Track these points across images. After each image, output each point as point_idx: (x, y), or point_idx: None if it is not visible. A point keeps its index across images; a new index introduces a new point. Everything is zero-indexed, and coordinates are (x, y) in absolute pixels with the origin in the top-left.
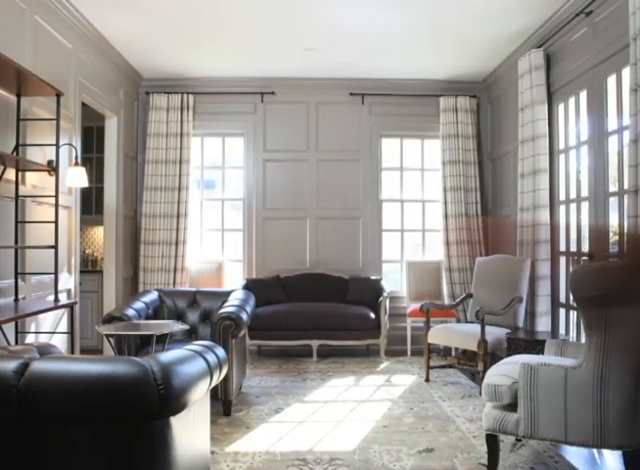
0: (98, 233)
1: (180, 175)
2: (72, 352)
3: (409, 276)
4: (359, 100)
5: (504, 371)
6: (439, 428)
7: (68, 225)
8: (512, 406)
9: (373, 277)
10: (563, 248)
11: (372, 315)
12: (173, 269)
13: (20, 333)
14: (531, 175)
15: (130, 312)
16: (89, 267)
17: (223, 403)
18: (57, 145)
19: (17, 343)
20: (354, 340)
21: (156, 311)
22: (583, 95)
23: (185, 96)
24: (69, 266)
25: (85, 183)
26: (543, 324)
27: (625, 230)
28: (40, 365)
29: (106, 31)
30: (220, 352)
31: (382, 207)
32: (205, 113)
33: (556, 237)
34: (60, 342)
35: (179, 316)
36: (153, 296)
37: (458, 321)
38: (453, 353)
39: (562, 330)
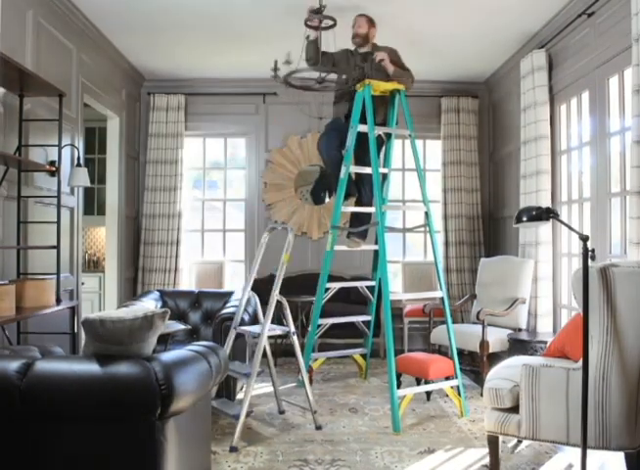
0: (100, 234)
1: (176, 175)
2: (74, 352)
3: (404, 277)
4: None
5: (505, 375)
6: (441, 429)
7: (70, 226)
8: (514, 408)
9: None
10: (565, 249)
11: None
12: (173, 269)
13: (21, 333)
14: (533, 176)
15: None
16: (91, 268)
17: None
18: (59, 145)
19: (18, 343)
20: (354, 338)
21: None
22: (585, 96)
23: (184, 97)
24: (71, 267)
25: (87, 184)
26: (545, 325)
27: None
28: (43, 365)
29: (108, 32)
30: (222, 352)
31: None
32: (207, 113)
33: (557, 238)
34: (61, 342)
35: (181, 317)
36: (154, 296)
37: (462, 322)
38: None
39: None
